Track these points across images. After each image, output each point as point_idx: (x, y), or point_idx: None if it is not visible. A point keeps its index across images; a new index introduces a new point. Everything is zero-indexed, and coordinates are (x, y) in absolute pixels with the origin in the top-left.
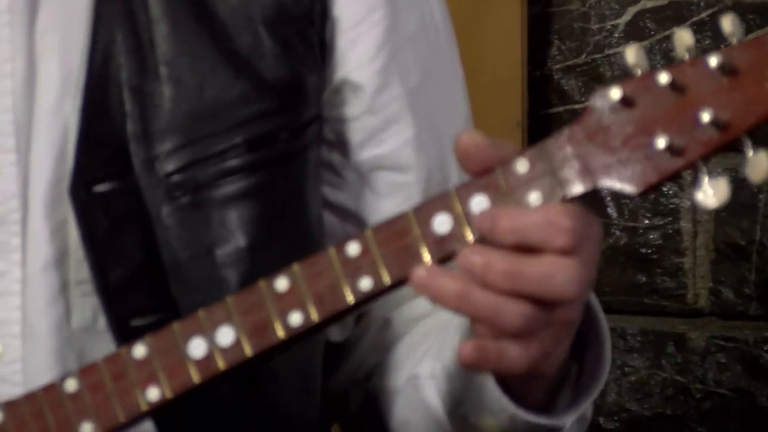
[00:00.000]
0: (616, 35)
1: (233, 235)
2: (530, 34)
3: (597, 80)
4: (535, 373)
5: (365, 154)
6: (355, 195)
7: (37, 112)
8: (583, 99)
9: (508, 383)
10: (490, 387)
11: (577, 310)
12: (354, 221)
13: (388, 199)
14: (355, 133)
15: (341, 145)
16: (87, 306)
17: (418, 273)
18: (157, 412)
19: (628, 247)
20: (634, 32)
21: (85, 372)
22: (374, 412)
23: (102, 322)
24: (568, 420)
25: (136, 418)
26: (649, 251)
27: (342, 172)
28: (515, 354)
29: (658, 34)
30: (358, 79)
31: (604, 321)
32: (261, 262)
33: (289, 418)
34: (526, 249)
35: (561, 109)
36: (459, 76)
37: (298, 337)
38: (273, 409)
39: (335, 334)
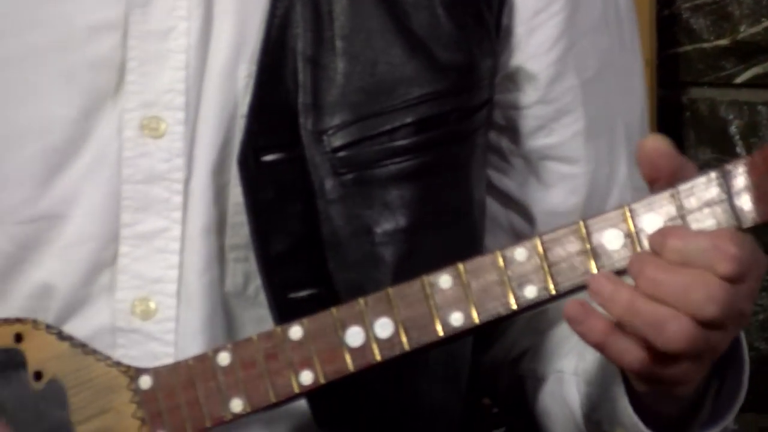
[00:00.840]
0: None
1: (394, 214)
2: None
3: (725, 19)
4: (667, 392)
5: (534, 143)
6: (521, 182)
7: (208, 74)
8: (712, 38)
9: (641, 397)
10: (624, 402)
11: (725, 339)
12: (517, 208)
13: (553, 189)
14: (527, 121)
15: (511, 131)
16: (239, 271)
17: (594, 278)
18: (307, 395)
19: None
20: None
21: (239, 347)
22: (520, 394)
23: (252, 288)
24: None
25: (287, 400)
26: None
27: (509, 158)
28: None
29: None
30: (533, 69)
31: (745, 346)
32: (419, 243)
33: (431, 406)
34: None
35: (689, 48)
36: (639, 67)
37: (456, 336)
38: (417, 396)
39: None
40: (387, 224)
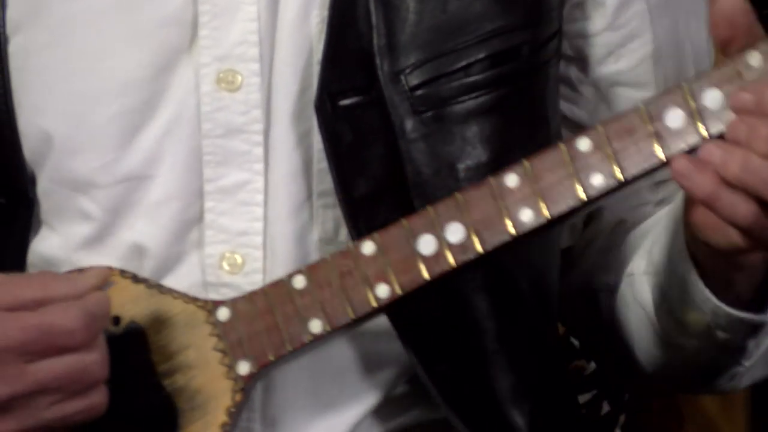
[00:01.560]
0: None
1: (475, 149)
2: None
3: None
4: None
5: (604, 69)
6: (591, 111)
7: (281, 23)
8: None
9: (710, 277)
10: (693, 278)
11: None
12: None
13: None
14: (595, 48)
15: (580, 60)
16: (328, 218)
17: (705, 145)
18: (385, 309)
19: None
20: None
21: (313, 269)
22: (596, 311)
23: (343, 234)
24: None
25: (365, 315)
26: None
27: (579, 88)
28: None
29: None
30: None
31: None
32: None
33: (530, 335)
34: None
35: None
36: None
37: (527, 234)
38: (516, 326)
39: (563, 239)
40: (469, 160)
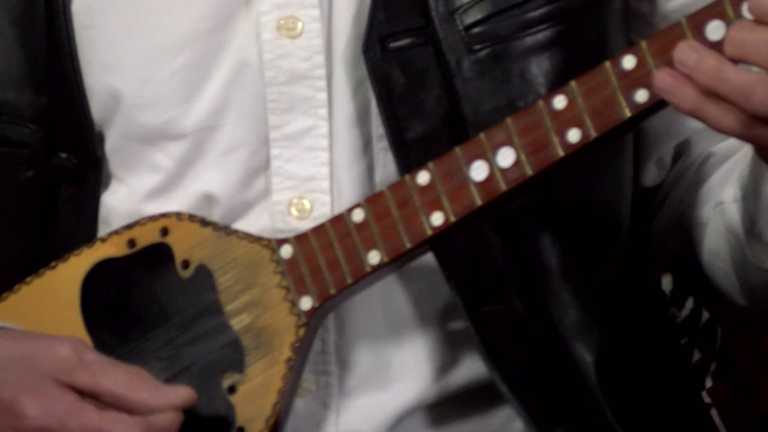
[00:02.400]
0: None
1: (533, 86)
2: None
3: None
4: None
5: (674, 2)
6: None
7: None
8: None
9: None
10: None
11: None
12: None
13: None
14: None
15: None
16: (389, 160)
17: (680, 47)
18: (440, 237)
19: None
20: None
21: (371, 201)
22: (690, 246)
23: None
24: None
25: (421, 244)
26: None
27: (652, 22)
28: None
29: None
30: None
31: None
32: None
33: (595, 269)
34: None
35: None
36: None
37: (577, 154)
38: (580, 260)
39: (649, 178)
40: (528, 96)
